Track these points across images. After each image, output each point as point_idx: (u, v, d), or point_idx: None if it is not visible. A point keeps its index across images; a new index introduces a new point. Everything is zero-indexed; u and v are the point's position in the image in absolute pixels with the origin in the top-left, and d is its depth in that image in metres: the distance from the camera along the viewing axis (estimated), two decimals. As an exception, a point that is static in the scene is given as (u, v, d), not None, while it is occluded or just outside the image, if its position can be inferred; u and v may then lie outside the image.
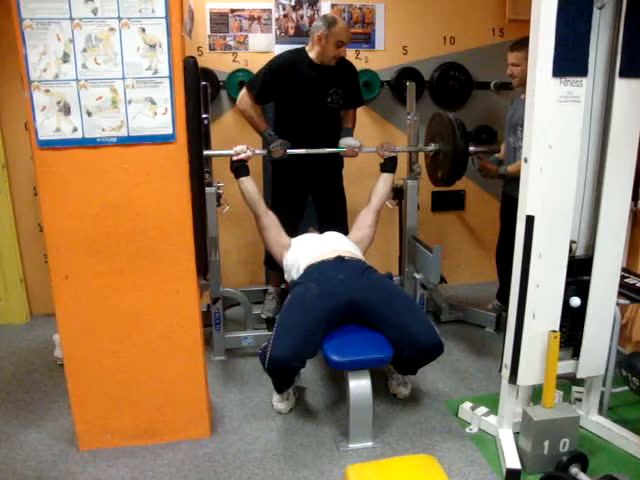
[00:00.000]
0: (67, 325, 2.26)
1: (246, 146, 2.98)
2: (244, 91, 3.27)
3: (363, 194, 3.31)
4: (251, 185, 3.02)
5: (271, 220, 3.04)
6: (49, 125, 2.03)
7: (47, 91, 1.99)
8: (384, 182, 3.24)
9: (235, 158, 2.97)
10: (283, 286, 3.47)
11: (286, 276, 2.99)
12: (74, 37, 1.96)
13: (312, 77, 3.24)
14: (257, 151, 3.10)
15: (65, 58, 1.98)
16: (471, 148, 3.17)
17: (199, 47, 3.72)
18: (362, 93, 3.60)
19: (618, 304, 2.32)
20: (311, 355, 2.44)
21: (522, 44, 3.10)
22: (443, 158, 3.24)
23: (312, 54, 3.23)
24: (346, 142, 3.29)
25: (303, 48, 3.27)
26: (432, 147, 3.30)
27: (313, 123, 3.32)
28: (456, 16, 3.94)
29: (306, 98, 3.28)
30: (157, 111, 2.08)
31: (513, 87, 3.34)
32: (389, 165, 3.24)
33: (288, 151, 3.11)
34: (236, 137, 3.65)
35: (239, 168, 2.98)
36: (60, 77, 1.99)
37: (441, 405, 2.70)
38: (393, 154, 3.23)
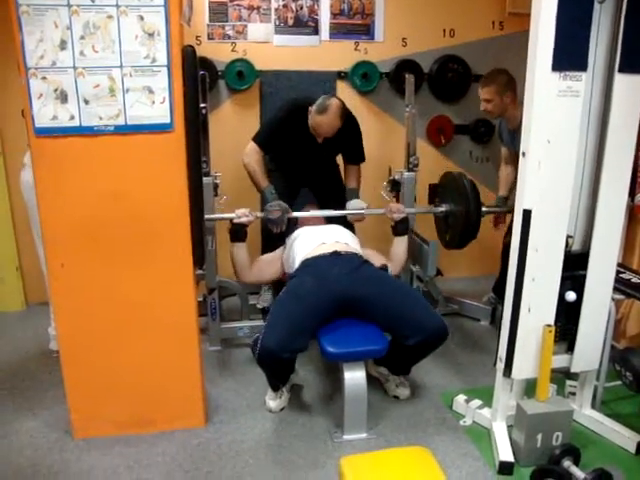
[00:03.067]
0: (63, 313, 2.26)
1: (248, 210, 2.92)
2: (250, 144, 3.26)
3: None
4: (243, 252, 2.95)
5: (258, 267, 3.04)
6: (46, 113, 2.01)
7: (44, 78, 1.98)
8: (400, 247, 3.08)
9: (236, 221, 2.89)
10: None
11: (285, 269, 2.99)
12: (72, 24, 1.95)
13: (308, 139, 3.26)
14: (258, 214, 3.03)
15: (62, 45, 1.96)
16: (483, 209, 2.98)
17: (198, 36, 3.69)
18: (362, 85, 3.57)
19: (613, 299, 2.33)
20: (302, 347, 2.41)
21: (491, 79, 3.13)
22: (454, 222, 3.08)
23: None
24: (353, 206, 3.27)
25: (309, 106, 3.21)
26: (442, 208, 3.14)
27: (307, 167, 3.39)
28: (456, 8, 3.92)
29: (299, 154, 3.33)
30: (155, 100, 2.07)
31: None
32: (401, 228, 3.07)
33: (295, 214, 3.07)
34: (234, 127, 3.64)
35: (238, 232, 2.92)
36: (57, 64, 1.98)
37: (435, 397, 2.71)
38: (403, 215, 3.06)
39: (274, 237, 3.15)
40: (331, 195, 3.45)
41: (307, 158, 3.34)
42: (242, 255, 2.95)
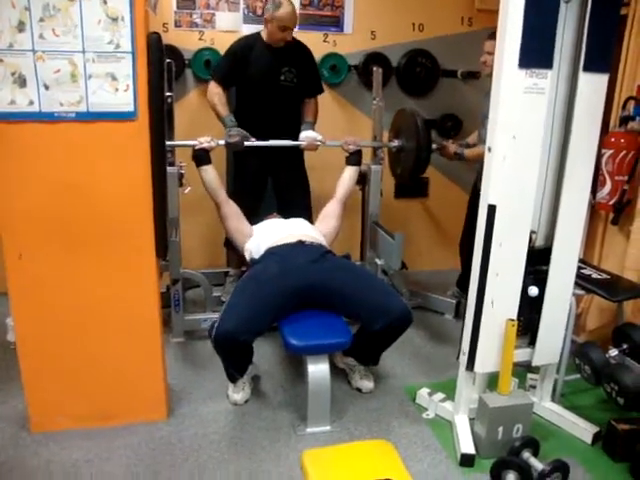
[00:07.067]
0: (21, 305, 2.20)
1: (210, 137, 2.99)
2: (211, 83, 3.33)
3: (328, 183, 3.31)
4: (212, 174, 3.00)
5: (232, 209, 3.04)
6: (3, 97, 1.94)
7: (1, 61, 1.91)
8: (349, 175, 3.26)
9: (198, 147, 2.96)
10: (244, 269, 3.45)
11: (247, 255, 2.97)
12: (30, 5, 1.88)
13: (265, 57, 3.30)
14: (220, 142, 3.08)
15: (20, 27, 1.89)
16: (433, 145, 3.23)
17: (165, 23, 3.62)
18: (330, 77, 3.63)
19: (574, 294, 2.37)
20: (259, 331, 2.41)
21: None
22: (405, 155, 3.27)
23: (264, 35, 3.29)
24: (307, 135, 3.31)
25: (259, 32, 3.33)
26: (396, 143, 3.34)
27: (269, 105, 3.37)
28: (425, 3, 3.93)
29: (260, 77, 3.33)
30: (118, 87, 2.02)
31: (480, 77, 3.34)
32: (354, 159, 3.26)
33: (246, 144, 3.12)
34: (201, 117, 3.59)
35: (201, 156, 2.98)
36: (15, 47, 1.91)
37: (399, 390, 2.72)
38: (357, 148, 3.24)
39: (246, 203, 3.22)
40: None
41: (270, 91, 3.35)
42: (211, 176, 3.01)
